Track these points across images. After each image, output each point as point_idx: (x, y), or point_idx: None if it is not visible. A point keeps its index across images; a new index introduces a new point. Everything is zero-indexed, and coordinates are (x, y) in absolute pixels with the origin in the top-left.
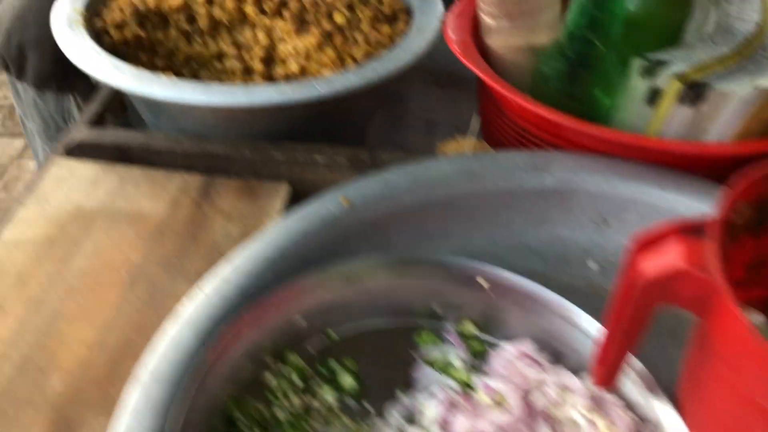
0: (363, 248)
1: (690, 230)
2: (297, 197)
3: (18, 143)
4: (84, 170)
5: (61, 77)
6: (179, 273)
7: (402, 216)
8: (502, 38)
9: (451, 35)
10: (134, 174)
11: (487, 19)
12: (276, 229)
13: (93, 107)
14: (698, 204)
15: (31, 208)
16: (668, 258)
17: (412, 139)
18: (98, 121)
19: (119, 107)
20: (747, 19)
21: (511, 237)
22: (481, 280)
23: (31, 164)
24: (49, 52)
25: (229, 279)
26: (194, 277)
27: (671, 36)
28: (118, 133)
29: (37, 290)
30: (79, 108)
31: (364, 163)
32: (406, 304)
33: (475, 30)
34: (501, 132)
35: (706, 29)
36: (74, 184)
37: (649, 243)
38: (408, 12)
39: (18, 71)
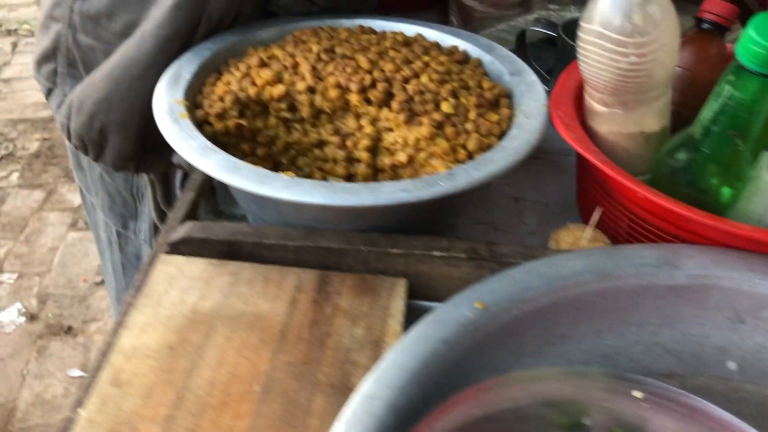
0: (499, 354)
1: None
2: (411, 290)
3: (38, 194)
4: (193, 268)
5: (140, 159)
6: (311, 383)
7: (535, 318)
8: (613, 125)
9: (559, 121)
10: (246, 271)
11: (597, 106)
12: (414, 338)
13: (188, 195)
14: None
15: (146, 312)
16: None
17: (502, 218)
18: (193, 208)
19: (210, 191)
20: None
21: (645, 336)
22: (636, 393)
23: (52, 216)
24: (132, 135)
25: (376, 395)
26: (328, 388)
27: None
28: (226, 227)
29: (168, 407)
30: (152, 186)
31: (483, 256)
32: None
33: (579, 113)
34: (611, 218)
35: None
36: (186, 284)
37: None
38: (508, 96)
39: (97, 153)
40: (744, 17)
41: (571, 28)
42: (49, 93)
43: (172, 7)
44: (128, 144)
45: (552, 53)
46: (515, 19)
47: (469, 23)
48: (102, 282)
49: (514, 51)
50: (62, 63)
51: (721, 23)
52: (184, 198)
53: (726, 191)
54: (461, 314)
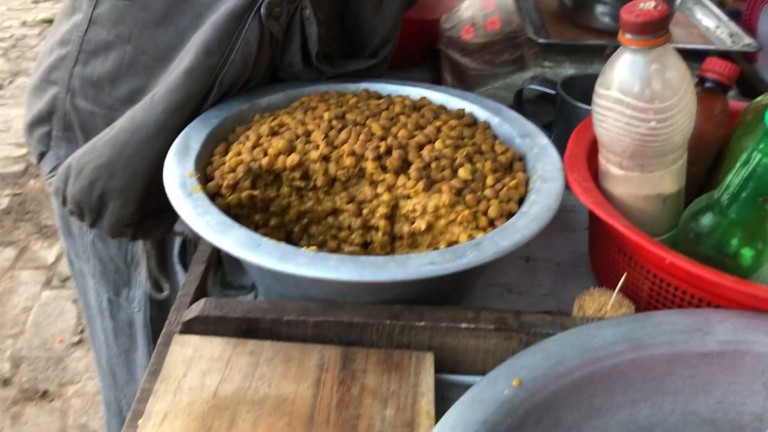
0: (537, 429)
1: None
2: (436, 363)
3: (9, 252)
4: (211, 348)
5: (138, 225)
6: None
7: (571, 392)
8: (630, 187)
9: (576, 184)
10: (267, 350)
11: (613, 169)
12: (454, 419)
13: (197, 269)
14: None
15: (166, 399)
16: None
17: (515, 279)
18: (203, 282)
19: (217, 263)
20: None
21: (679, 405)
22: None
23: (24, 275)
24: (132, 201)
25: None
26: None
27: None
28: (243, 303)
29: None
30: (148, 253)
31: (511, 327)
32: None
33: (593, 175)
34: (632, 282)
35: None
36: (205, 365)
37: None
38: (521, 159)
39: (94, 219)
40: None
41: (570, 85)
42: (41, 156)
43: (185, 72)
44: (128, 210)
45: (549, 110)
46: (510, 77)
47: (462, 81)
48: (79, 342)
49: (512, 108)
50: (58, 126)
51: (724, 82)
52: (193, 271)
53: (748, 254)
54: (499, 393)
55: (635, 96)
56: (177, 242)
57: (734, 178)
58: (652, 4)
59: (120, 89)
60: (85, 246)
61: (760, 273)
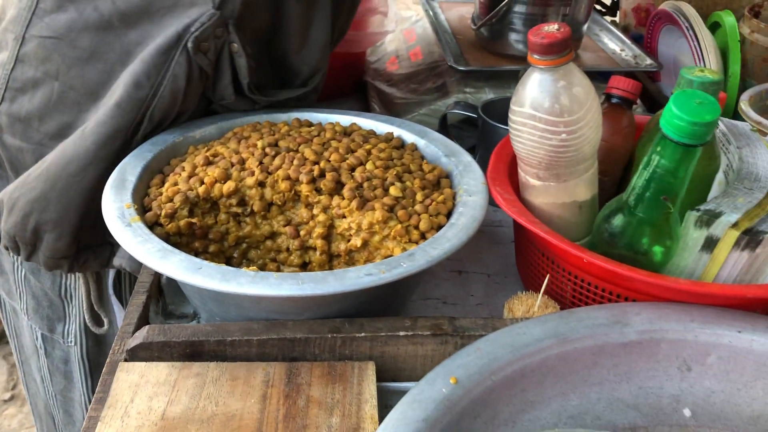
0: (475, 425)
1: None
2: (378, 372)
3: None
4: (157, 373)
5: (74, 258)
6: None
7: (505, 387)
8: (548, 196)
9: (499, 196)
10: (212, 371)
11: (531, 180)
12: (395, 420)
13: (139, 299)
14: None
15: (114, 425)
16: None
17: (450, 292)
18: (145, 311)
19: (158, 293)
20: (762, 158)
21: (605, 393)
22: None
23: None
24: (67, 233)
25: None
26: None
27: (707, 186)
28: (186, 327)
29: None
30: (87, 286)
31: (446, 332)
32: None
33: (514, 187)
34: (556, 284)
35: (733, 176)
36: (151, 390)
37: None
38: (448, 177)
39: (29, 253)
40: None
41: (489, 108)
42: None
43: (114, 105)
44: (63, 242)
45: (472, 132)
46: (434, 104)
47: (390, 109)
48: (11, 398)
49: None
50: None
51: (629, 97)
52: (135, 301)
53: (658, 250)
54: (437, 391)
55: (546, 111)
56: (111, 275)
57: (638, 180)
58: (555, 26)
59: (48, 125)
60: (18, 282)
61: (670, 266)
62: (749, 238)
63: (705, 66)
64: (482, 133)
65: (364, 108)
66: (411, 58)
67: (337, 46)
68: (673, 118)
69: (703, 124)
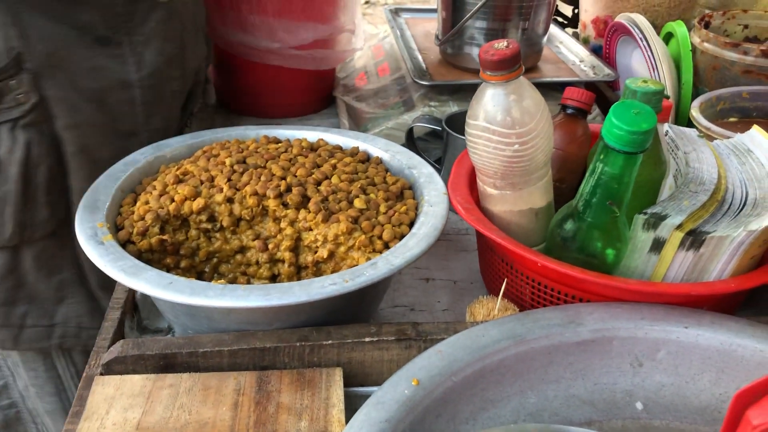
0: (437, 424)
1: None
2: (346, 378)
3: None
4: (131, 385)
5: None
6: None
7: (464, 387)
8: (506, 204)
9: (459, 206)
10: (185, 382)
11: (489, 189)
12: (360, 422)
13: (114, 314)
14: (716, 335)
15: None
16: None
17: (417, 299)
18: (120, 326)
19: (133, 309)
20: (707, 162)
21: (562, 390)
22: None
23: None
24: None
25: None
26: None
27: (655, 190)
28: (159, 341)
29: None
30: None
31: (410, 336)
32: None
33: (474, 196)
34: (516, 288)
35: (681, 179)
36: (126, 402)
37: (753, 396)
38: (411, 188)
39: None
40: (598, 100)
41: (453, 121)
42: None
43: None
44: None
45: (438, 145)
46: (401, 117)
47: (358, 124)
48: None
49: (405, 145)
50: None
51: (582, 108)
52: (110, 317)
53: (610, 252)
54: (400, 393)
55: (499, 124)
56: None
57: (585, 186)
58: (505, 43)
59: None
60: None
61: (623, 267)
62: (693, 239)
63: (659, 75)
64: (447, 145)
65: (335, 123)
66: (379, 73)
67: (307, 64)
68: (612, 128)
69: (640, 132)
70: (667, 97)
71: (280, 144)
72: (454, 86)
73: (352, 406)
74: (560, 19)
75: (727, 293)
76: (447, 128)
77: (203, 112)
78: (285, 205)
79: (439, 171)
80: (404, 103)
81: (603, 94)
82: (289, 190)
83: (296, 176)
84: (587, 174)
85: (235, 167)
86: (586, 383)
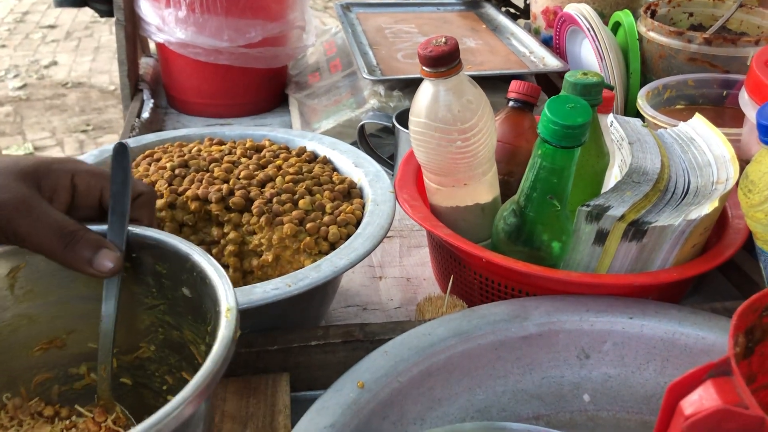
0: (383, 426)
1: (716, 370)
2: (293, 383)
3: None
4: None
5: None
6: None
7: (411, 387)
8: (452, 200)
9: (405, 203)
10: None
11: (434, 185)
12: (303, 428)
13: None
14: (659, 324)
15: None
16: (708, 400)
17: (369, 298)
18: None
19: None
20: (650, 152)
21: (510, 385)
22: None
23: None
24: None
25: None
26: None
27: (599, 182)
28: None
29: None
30: None
31: (357, 338)
32: None
33: (422, 193)
34: (465, 284)
35: (624, 170)
36: None
37: (686, 387)
38: (358, 186)
39: None
40: (550, 91)
41: (404, 116)
42: None
43: None
44: None
45: (391, 140)
46: (353, 113)
47: (311, 121)
48: None
49: (357, 142)
50: None
51: (528, 101)
52: None
53: (556, 245)
54: (345, 396)
55: (440, 120)
56: None
57: (526, 181)
58: (443, 40)
59: None
60: None
61: (569, 260)
62: (635, 230)
63: (607, 65)
64: (398, 142)
65: (287, 121)
66: (331, 69)
67: (257, 62)
68: (548, 123)
69: (575, 126)
70: (611, 88)
71: (223, 146)
72: (405, 81)
73: (300, 411)
74: (512, 10)
75: (671, 282)
76: (397, 124)
77: (154, 114)
78: (228, 209)
79: (392, 167)
80: (356, 100)
81: (554, 85)
82: (231, 193)
83: (239, 179)
84: (527, 169)
85: (177, 171)
86: (533, 377)
